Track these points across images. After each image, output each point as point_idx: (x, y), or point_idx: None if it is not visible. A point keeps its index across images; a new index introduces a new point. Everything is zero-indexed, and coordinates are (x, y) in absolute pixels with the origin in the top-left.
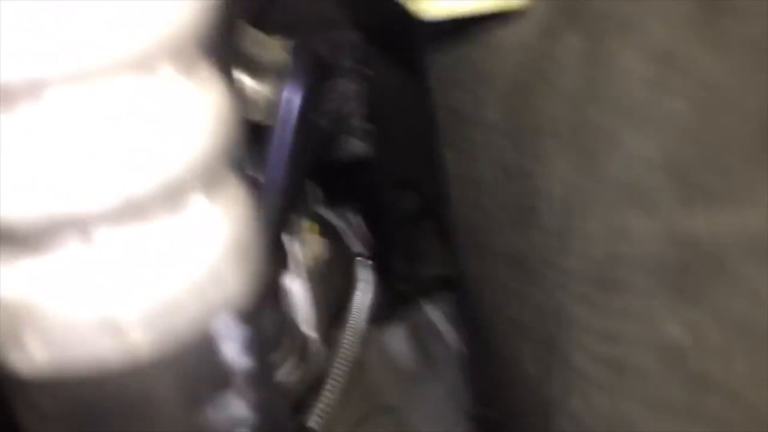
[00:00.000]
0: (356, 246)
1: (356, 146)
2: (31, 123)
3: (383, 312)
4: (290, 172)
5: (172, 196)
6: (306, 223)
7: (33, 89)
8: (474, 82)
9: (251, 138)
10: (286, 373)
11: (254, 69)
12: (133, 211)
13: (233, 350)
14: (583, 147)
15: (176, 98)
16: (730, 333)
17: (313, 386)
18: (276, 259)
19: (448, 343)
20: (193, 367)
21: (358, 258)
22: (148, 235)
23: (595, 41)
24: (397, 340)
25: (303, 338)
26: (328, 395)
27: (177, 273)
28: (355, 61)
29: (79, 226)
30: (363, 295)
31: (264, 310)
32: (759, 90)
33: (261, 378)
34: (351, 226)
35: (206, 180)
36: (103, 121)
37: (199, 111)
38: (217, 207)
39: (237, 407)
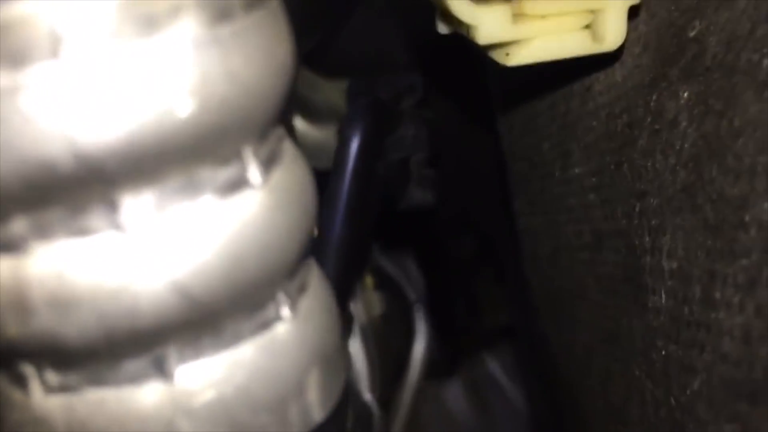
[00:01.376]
0: (413, 296)
1: (417, 194)
2: None
3: (441, 365)
4: (351, 228)
5: (252, 295)
6: (365, 279)
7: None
8: (557, 133)
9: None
10: None
11: (309, 113)
12: (208, 321)
13: None
14: (705, 218)
15: (263, 203)
16: None
17: None
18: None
19: (508, 398)
20: None
21: (416, 309)
22: (222, 360)
23: (712, 94)
24: (455, 394)
25: (364, 407)
26: None
27: (256, 394)
28: (416, 104)
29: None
30: (420, 349)
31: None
32: None
33: None
34: (408, 276)
35: (289, 286)
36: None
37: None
38: (301, 309)
39: None
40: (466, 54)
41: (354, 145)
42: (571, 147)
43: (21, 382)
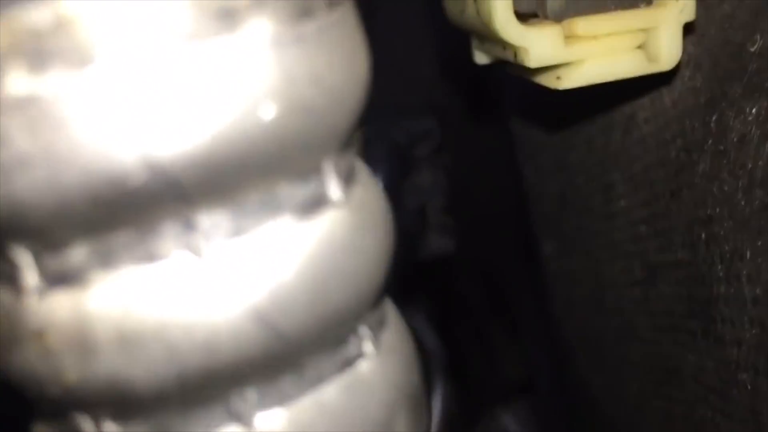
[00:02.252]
0: (429, 350)
1: (435, 242)
2: None
3: (458, 421)
4: None
5: (337, 331)
6: None
7: None
8: (596, 167)
9: None
10: None
11: None
12: (291, 358)
13: None
14: None
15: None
16: None
17: None
18: None
19: None
20: None
21: (433, 362)
22: (306, 404)
23: None
24: None
25: None
26: None
27: (350, 425)
28: (433, 150)
29: (218, 389)
30: (438, 402)
31: None
32: None
33: None
34: (424, 329)
35: (372, 319)
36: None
37: (366, 237)
38: (384, 344)
39: None
40: (484, 99)
41: None
42: (613, 179)
43: None
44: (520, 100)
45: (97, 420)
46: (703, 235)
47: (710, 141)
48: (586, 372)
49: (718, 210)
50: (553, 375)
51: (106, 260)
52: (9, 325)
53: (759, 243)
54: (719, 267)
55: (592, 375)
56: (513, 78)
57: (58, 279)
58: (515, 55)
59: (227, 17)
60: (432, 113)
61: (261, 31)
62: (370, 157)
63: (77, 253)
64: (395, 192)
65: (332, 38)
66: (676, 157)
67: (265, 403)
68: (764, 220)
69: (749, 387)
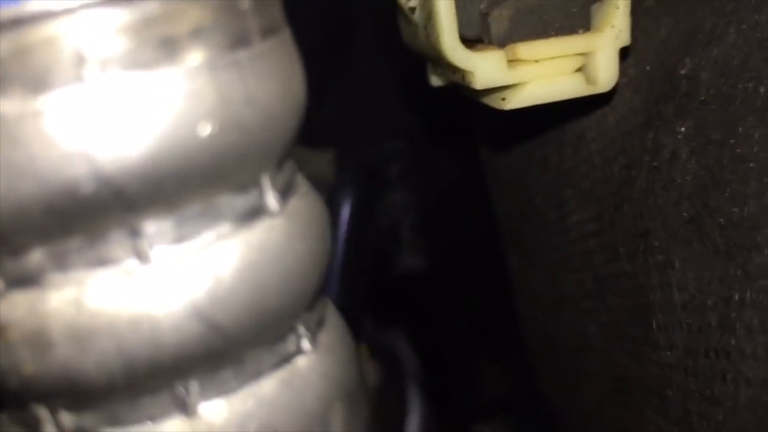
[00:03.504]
0: (409, 370)
1: (409, 261)
2: None
3: None
4: (344, 296)
5: (273, 328)
6: (359, 348)
7: None
8: (551, 184)
9: None
10: None
11: None
12: (230, 352)
13: None
14: (714, 243)
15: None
16: None
17: None
18: None
19: None
20: None
21: (410, 382)
22: (245, 395)
23: (709, 125)
24: None
25: None
26: None
27: (283, 419)
28: (404, 170)
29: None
30: (415, 423)
31: None
32: None
33: None
34: (403, 348)
35: (308, 320)
36: None
37: (299, 245)
38: (321, 342)
39: None
40: (455, 120)
41: (345, 213)
42: (566, 195)
43: (33, 427)
44: (485, 122)
45: (53, 410)
46: (642, 246)
47: (647, 158)
48: (547, 385)
49: (653, 223)
50: (529, 391)
51: (61, 263)
52: None
53: (686, 252)
54: (654, 276)
55: (554, 387)
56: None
57: (18, 281)
58: (463, 78)
59: (169, 44)
60: (403, 134)
61: (200, 57)
62: (342, 177)
63: (34, 258)
64: (367, 212)
65: (266, 63)
66: (618, 173)
67: (207, 394)
68: (691, 231)
69: (680, 388)
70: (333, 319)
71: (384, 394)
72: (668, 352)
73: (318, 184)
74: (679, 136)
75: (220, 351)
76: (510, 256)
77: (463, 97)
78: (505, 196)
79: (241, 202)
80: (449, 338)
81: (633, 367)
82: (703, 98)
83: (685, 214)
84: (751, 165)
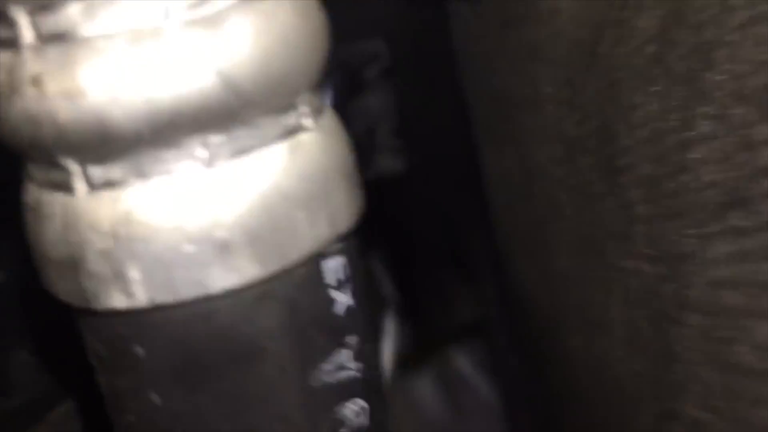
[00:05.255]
0: (383, 289)
1: (385, 164)
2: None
3: (410, 359)
4: None
5: (280, 98)
6: None
7: None
8: (522, 61)
9: None
10: None
11: None
12: (243, 112)
13: (345, 300)
14: (674, 74)
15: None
16: None
17: None
18: None
19: (478, 393)
20: (305, 310)
21: (386, 300)
22: (259, 146)
23: None
24: (424, 389)
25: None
26: None
27: (288, 188)
28: (383, 73)
29: (181, 133)
30: (388, 342)
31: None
32: None
33: (372, 351)
34: (378, 268)
35: (311, 90)
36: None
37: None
38: (321, 123)
39: (351, 372)
40: (433, 20)
41: None
42: (539, 71)
43: (65, 182)
44: (459, 16)
45: (82, 163)
46: (610, 95)
47: (615, 12)
48: (522, 269)
49: (621, 72)
50: (502, 314)
51: (93, 16)
52: (9, 77)
53: (651, 87)
54: (621, 123)
55: (525, 271)
56: None
57: (52, 36)
58: None
59: None
60: (382, 35)
61: None
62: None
63: (70, 12)
64: (342, 112)
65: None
66: (589, 34)
67: (223, 152)
68: (656, 68)
69: (643, 227)
70: (330, 113)
71: None
72: (631, 191)
73: None
74: None
75: (234, 109)
76: (482, 148)
77: None
78: (477, 86)
79: None
80: (423, 254)
81: (598, 222)
82: None
83: (650, 53)
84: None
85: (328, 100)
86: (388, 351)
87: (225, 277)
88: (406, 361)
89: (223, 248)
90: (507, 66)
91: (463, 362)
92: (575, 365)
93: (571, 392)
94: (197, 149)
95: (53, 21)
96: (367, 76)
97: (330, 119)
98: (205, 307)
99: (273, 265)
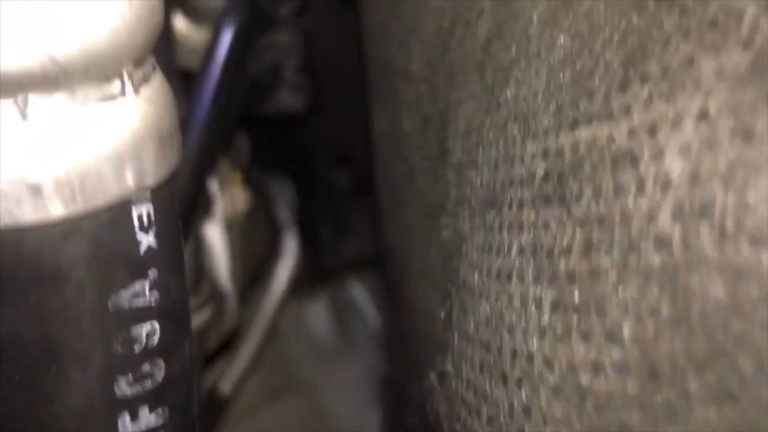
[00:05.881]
0: (284, 210)
1: (288, 100)
2: None
3: (305, 283)
4: (216, 112)
5: (101, 71)
6: (231, 173)
7: None
8: (403, 34)
9: (184, 83)
10: (201, 320)
11: (190, 12)
12: (63, 81)
13: (148, 240)
14: (486, 84)
15: None
16: (587, 229)
17: (226, 346)
18: (196, 201)
19: (367, 321)
20: (108, 246)
21: (285, 223)
22: (76, 108)
23: None
24: (316, 313)
25: (219, 290)
26: (240, 360)
27: (98, 146)
28: (294, 12)
29: (14, 92)
30: (285, 262)
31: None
32: (626, 23)
33: (175, 283)
34: (281, 190)
35: (134, 64)
36: None
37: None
38: (142, 92)
39: (146, 299)
40: None
41: (226, 39)
42: (412, 46)
43: None
44: None
45: None
46: (448, 91)
47: (465, 15)
48: (389, 220)
49: (457, 68)
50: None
51: None
52: None
53: (468, 90)
54: (453, 112)
55: (390, 221)
56: None
57: None
58: None
59: None
60: None
61: None
62: (231, 5)
63: None
64: (250, 43)
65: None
66: (448, 26)
67: (41, 110)
68: (476, 73)
69: (450, 204)
70: (158, 82)
71: (255, 223)
72: (448, 173)
73: (210, 13)
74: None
75: (56, 78)
76: (372, 102)
77: None
78: (372, 45)
79: None
80: (324, 187)
81: (435, 192)
82: None
83: (475, 61)
84: (525, 23)
85: (157, 71)
86: (283, 272)
87: (34, 213)
88: (302, 283)
89: (34, 190)
90: (393, 34)
91: (357, 290)
92: (412, 314)
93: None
94: (19, 106)
95: None
96: (280, 14)
97: (154, 88)
98: (16, 235)
99: (78, 208)
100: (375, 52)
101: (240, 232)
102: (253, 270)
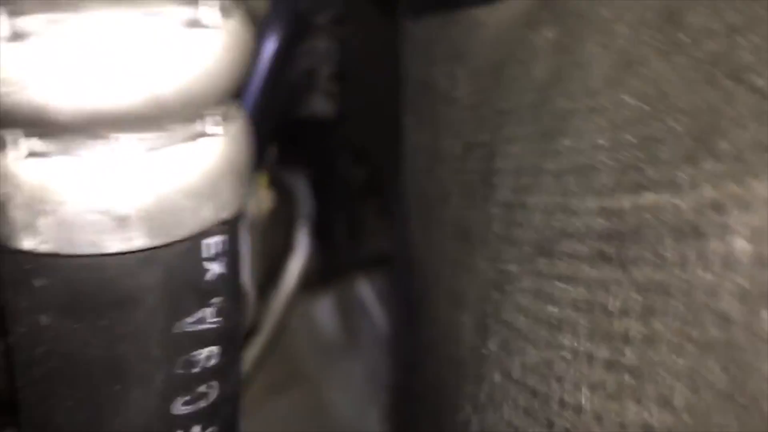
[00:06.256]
0: (301, 209)
1: (320, 105)
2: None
3: (316, 280)
4: (258, 117)
5: (194, 111)
6: (259, 176)
7: None
8: (449, 59)
9: None
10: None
11: None
12: (159, 121)
13: (215, 269)
14: (541, 128)
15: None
16: (646, 294)
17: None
18: None
19: (374, 321)
20: (179, 275)
21: (301, 221)
22: (164, 145)
23: (567, 36)
24: (324, 310)
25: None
26: (249, 354)
27: (182, 182)
28: (333, 21)
29: (107, 128)
30: (298, 259)
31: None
32: (697, 96)
33: (234, 309)
34: (299, 189)
35: (220, 103)
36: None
37: (222, 38)
38: (226, 130)
39: (210, 326)
40: None
41: (269, 50)
42: (458, 71)
43: (1, 145)
44: None
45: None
46: (500, 122)
47: (518, 53)
48: (415, 230)
49: (509, 103)
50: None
51: None
52: None
53: (520, 130)
54: (501, 147)
55: (418, 232)
56: None
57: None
58: None
59: None
60: None
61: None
62: (273, 14)
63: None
64: (290, 52)
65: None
66: (498, 62)
67: (134, 147)
68: (530, 115)
69: (494, 240)
70: (240, 118)
71: (274, 222)
72: (493, 209)
73: (252, 19)
74: (543, 39)
75: (153, 117)
76: (406, 116)
77: None
78: (412, 64)
79: None
80: (341, 186)
81: (472, 221)
82: (570, 10)
83: (529, 101)
84: (588, 73)
85: (242, 110)
86: (295, 268)
87: (118, 244)
88: (312, 280)
89: (120, 221)
90: (437, 56)
91: (365, 290)
92: (436, 330)
93: (429, 350)
94: (115, 142)
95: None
96: (318, 21)
97: (237, 125)
98: (98, 261)
99: (159, 239)
100: (415, 70)
101: (261, 230)
102: (271, 266)
